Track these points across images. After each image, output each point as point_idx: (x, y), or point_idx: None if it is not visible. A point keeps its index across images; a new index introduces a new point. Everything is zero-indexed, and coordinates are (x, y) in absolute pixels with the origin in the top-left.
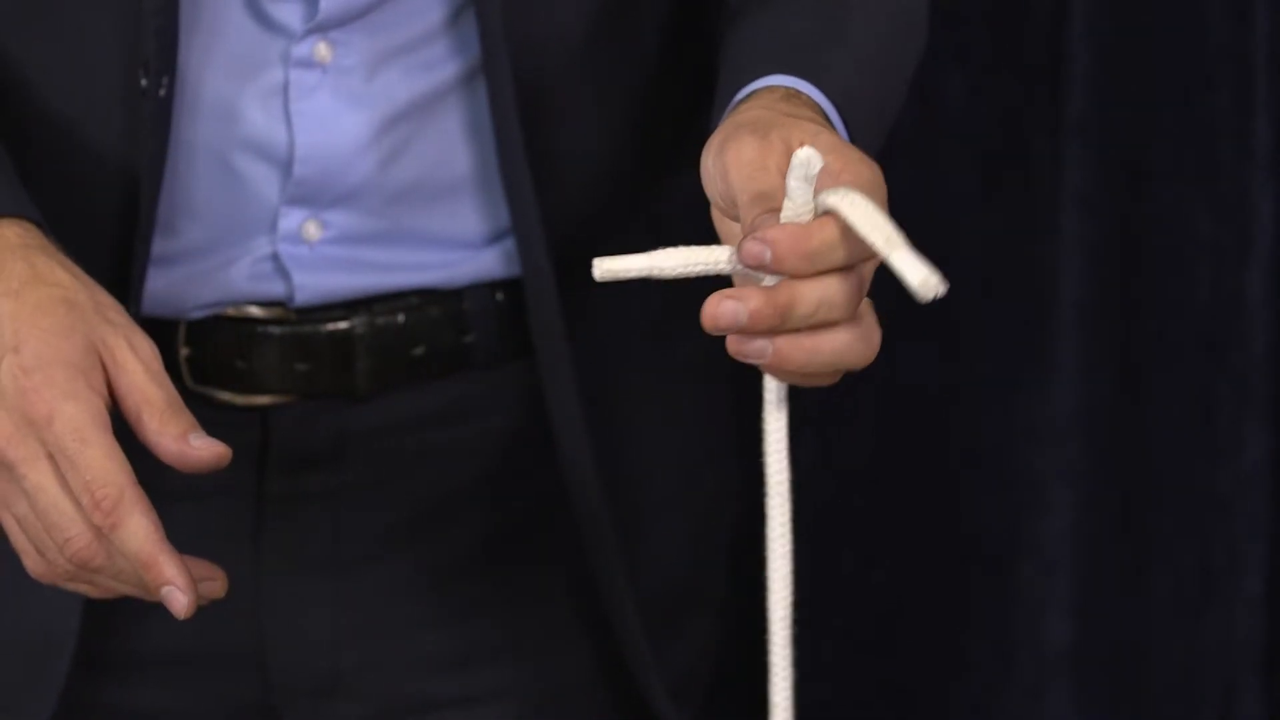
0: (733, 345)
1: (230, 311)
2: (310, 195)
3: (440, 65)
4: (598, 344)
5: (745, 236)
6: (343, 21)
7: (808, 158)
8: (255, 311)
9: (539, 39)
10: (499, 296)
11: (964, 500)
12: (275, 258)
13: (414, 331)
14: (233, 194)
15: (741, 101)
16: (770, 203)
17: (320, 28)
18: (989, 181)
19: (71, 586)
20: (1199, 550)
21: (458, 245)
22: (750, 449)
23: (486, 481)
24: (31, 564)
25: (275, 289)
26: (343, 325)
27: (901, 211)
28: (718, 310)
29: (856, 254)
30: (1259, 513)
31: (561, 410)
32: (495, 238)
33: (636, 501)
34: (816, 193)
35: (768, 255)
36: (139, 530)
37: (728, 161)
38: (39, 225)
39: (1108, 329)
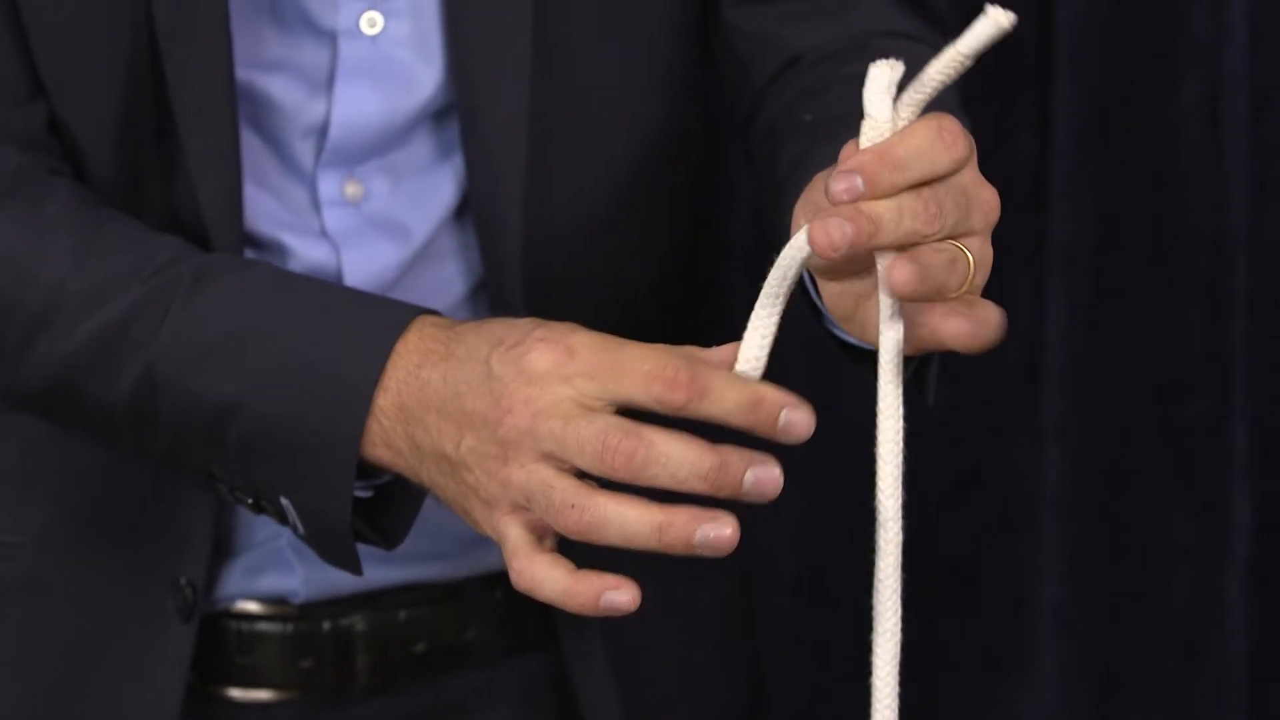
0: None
1: (234, 608)
2: None
3: None
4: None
5: (834, 173)
6: None
7: (889, 64)
8: (257, 608)
9: (558, 317)
10: (498, 593)
11: None
12: (280, 551)
13: (414, 628)
14: None
15: None
16: None
17: None
18: (969, 479)
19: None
20: None
21: (459, 537)
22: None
23: None
24: (525, 560)
25: (281, 584)
26: (344, 622)
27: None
28: (828, 231)
29: (950, 156)
30: None
31: (595, 699)
32: None
33: None
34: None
35: (858, 182)
36: (726, 380)
37: (814, 196)
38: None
39: (1086, 632)
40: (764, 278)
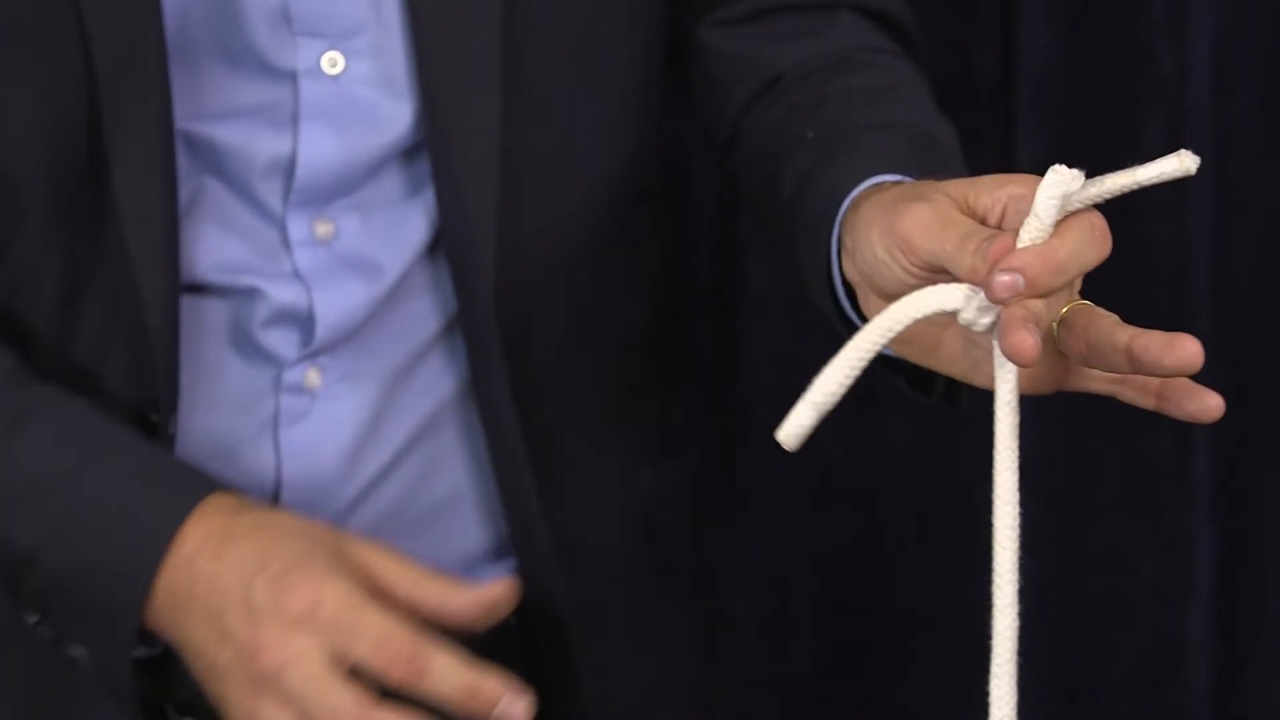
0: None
1: None
2: None
3: (431, 384)
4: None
5: (992, 270)
6: (334, 346)
7: (1071, 174)
8: None
9: (532, 352)
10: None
11: None
12: None
13: None
14: None
15: (860, 201)
16: (963, 252)
17: (313, 354)
18: (929, 518)
19: None
20: None
21: (442, 570)
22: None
23: None
24: None
25: None
26: None
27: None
28: (1027, 344)
29: (1099, 256)
30: None
31: None
32: (482, 560)
33: None
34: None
35: (1020, 283)
36: (449, 664)
37: (905, 232)
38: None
39: (1049, 670)
40: (730, 303)
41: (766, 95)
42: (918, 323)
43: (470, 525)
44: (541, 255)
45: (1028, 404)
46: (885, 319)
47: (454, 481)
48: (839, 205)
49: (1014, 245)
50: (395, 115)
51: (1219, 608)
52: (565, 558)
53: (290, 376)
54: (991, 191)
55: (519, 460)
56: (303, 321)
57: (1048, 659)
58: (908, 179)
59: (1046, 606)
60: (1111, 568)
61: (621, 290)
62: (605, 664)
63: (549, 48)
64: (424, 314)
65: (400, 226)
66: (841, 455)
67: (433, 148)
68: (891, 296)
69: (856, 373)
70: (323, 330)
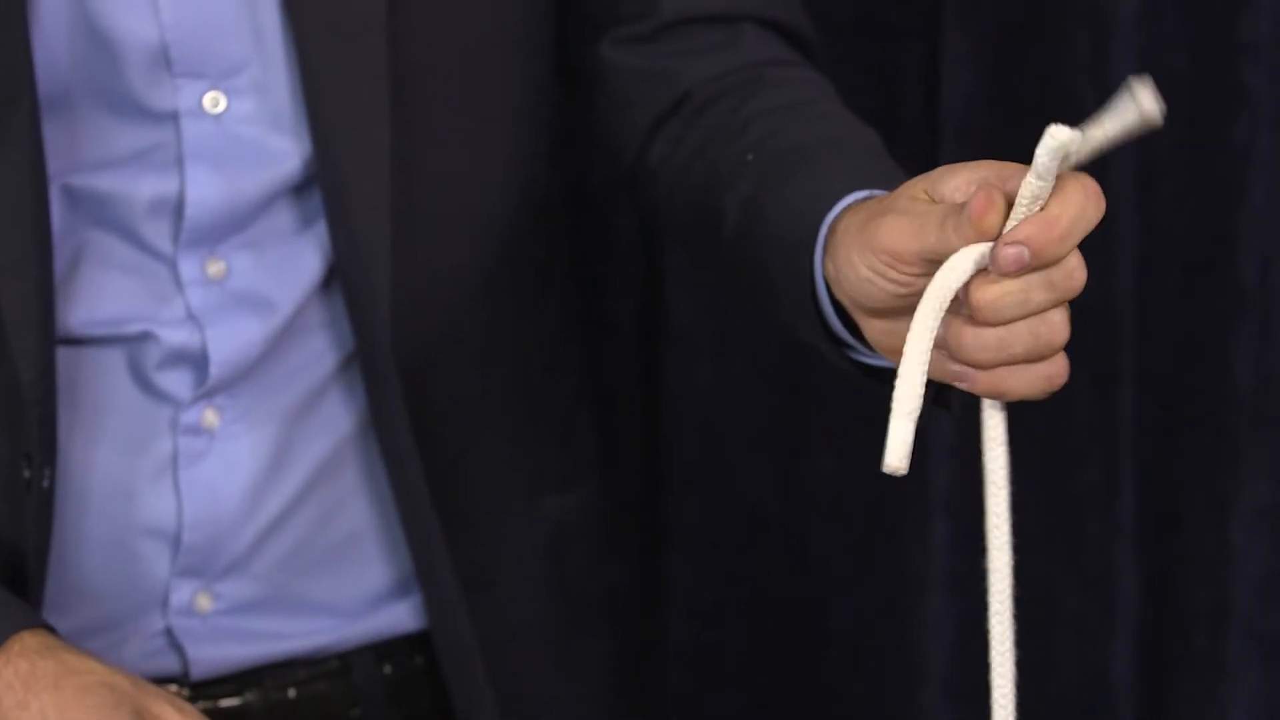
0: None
1: None
2: (200, 565)
3: (331, 421)
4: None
5: (999, 243)
6: (231, 385)
7: (1067, 132)
8: None
9: (433, 387)
10: (387, 668)
11: None
12: (168, 633)
13: (304, 706)
14: (123, 573)
15: (834, 225)
16: (945, 230)
17: (209, 393)
18: (858, 552)
19: None
20: None
21: (347, 608)
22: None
23: None
24: None
25: (169, 665)
26: (236, 701)
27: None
28: (995, 303)
29: (1098, 216)
30: None
31: None
32: (388, 596)
33: None
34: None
35: (1026, 255)
36: None
37: (887, 244)
38: (52, 630)
39: (977, 705)
40: (653, 337)
41: (675, 115)
42: (892, 335)
43: (374, 562)
44: (439, 287)
45: (947, 438)
46: (929, 302)
47: (357, 518)
48: (816, 231)
49: (994, 198)
50: (283, 152)
51: (1143, 644)
52: (471, 592)
53: (187, 417)
54: (946, 180)
55: (421, 496)
56: (196, 361)
57: (975, 699)
58: (876, 193)
59: (973, 646)
60: (1035, 604)
61: (525, 321)
62: (516, 698)
63: (437, 78)
64: (321, 350)
65: (293, 262)
66: (769, 489)
67: (323, 182)
68: (880, 313)
69: (926, 365)
70: (216, 369)
